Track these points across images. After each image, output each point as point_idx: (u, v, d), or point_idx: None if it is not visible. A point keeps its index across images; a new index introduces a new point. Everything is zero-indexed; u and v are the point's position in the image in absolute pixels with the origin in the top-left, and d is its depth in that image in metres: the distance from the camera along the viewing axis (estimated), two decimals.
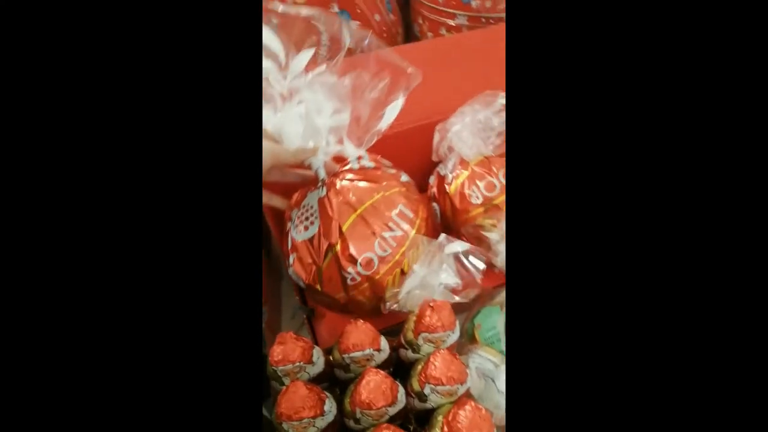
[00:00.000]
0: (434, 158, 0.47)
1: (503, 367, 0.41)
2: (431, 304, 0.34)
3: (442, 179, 0.49)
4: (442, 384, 0.31)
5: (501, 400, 0.40)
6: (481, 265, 0.39)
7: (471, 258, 0.39)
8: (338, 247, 0.38)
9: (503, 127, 0.42)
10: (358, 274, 0.38)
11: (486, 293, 0.46)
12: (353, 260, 0.38)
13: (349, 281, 0.39)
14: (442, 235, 0.39)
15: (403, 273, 0.40)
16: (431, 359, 0.32)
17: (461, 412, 0.29)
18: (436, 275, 0.37)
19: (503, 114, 0.42)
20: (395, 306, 0.39)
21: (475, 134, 0.42)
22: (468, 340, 0.44)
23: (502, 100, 0.42)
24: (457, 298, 0.38)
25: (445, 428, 0.29)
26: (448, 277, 0.37)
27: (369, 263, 0.38)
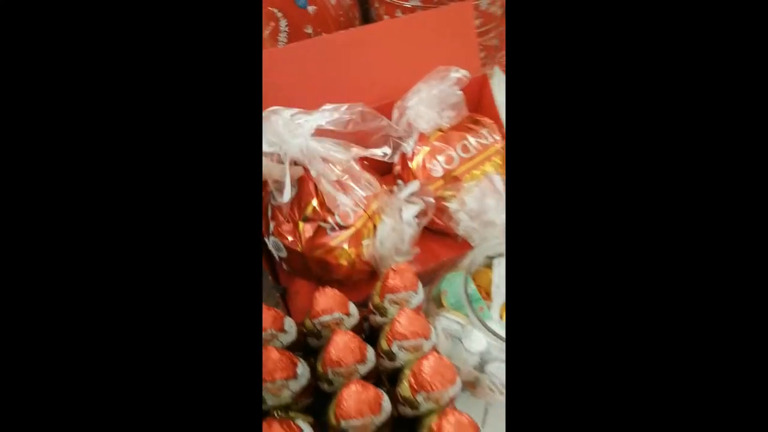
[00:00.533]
0: (394, 135, 0.49)
1: (470, 328, 0.44)
2: (394, 268, 0.36)
3: (404, 156, 0.50)
4: (407, 339, 0.33)
5: (468, 358, 0.42)
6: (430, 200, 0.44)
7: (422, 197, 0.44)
8: (315, 202, 0.41)
9: (456, 100, 0.44)
10: (337, 224, 0.41)
11: (449, 262, 0.49)
12: (330, 212, 0.41)
13: (329, 231, 0.41)
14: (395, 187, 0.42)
15: (375, 227, 0.43)
16: (396, 318, 0.34)
17: (425, 362, 0.31)
18: (401, 216, 0.40)
19: (456, 87, 0.44)
20: (373, 252, 0.42)
21: (431, 108, 0.44)
22: (435, 305, 0.46)
23: (454, 74, 0.44)
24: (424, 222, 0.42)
25: (412, 379, 0.31)
26: (410, 211, 0.40)
27: (345, 215, 0.41)
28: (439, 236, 0.52)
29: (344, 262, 0.43)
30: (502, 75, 0.70)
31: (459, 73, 0.43)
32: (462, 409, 0.34)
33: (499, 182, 0.44)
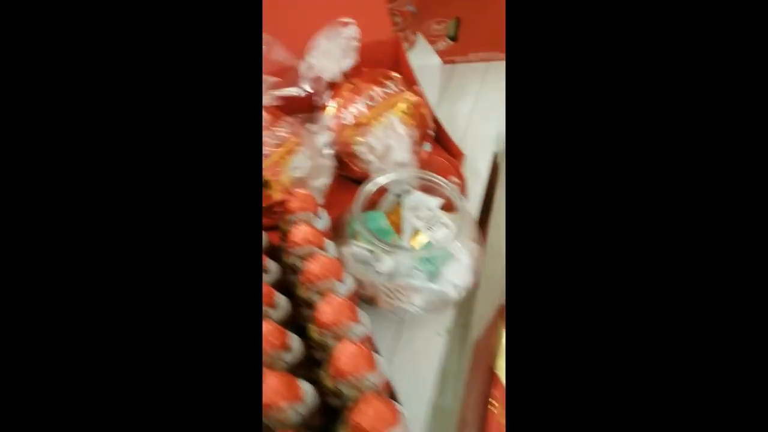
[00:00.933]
0: (307, 88, 0.54)
1: (379, 254, 0.49)
2: (293, 194, 0.41)
3: (320, 107, 0.55)
4: (300, 246, 0.38)
5: (377, 277, 0.47)
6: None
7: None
8: None
9: (351, 47, 0.50)
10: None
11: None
12: None
13: None
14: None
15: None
16: (291, 231, 0.38)
17: (312, 260, 0.36)
18: (316, 146, 0.47)
19: (350, 36, 0.49)
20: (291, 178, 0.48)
21: (332, 59, 0.49)
22: (349, 237, 0.51)
23: (346, 26, 0.49)
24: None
25: (301, 276, 0.36)
26: (322, 139, 0.46)
27: (265, 143, 0.48)
28: (358, 185, 0.57)
29: (266, 189, 0.48)
30: (424, 41, 0.76)
31: (350, 24, 0.49)
32: (377, 330, 0.38)
33: (399, 125, 0.49)
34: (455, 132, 0.74)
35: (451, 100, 0.80)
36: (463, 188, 0.54)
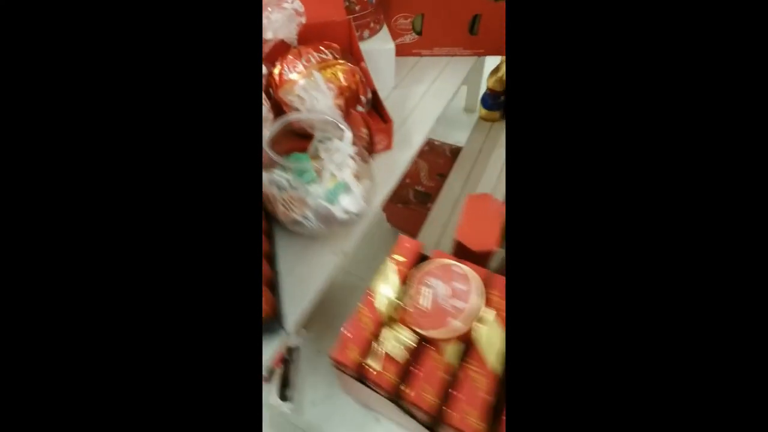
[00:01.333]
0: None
1: (297, 185, 0.59)
2: None
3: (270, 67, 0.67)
4: None
5: (279, 193, 0.57)
6: None
7: None
8: None
9: (292, 16, 0.61)
10: None
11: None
12: None
13: None
14: None
15: None
16: None
17: None
18: None
19: (292, 7, 0.61)
20: None
21: (276, 24, 0.61)
22: (276, 169, 0.62)
23: (293, 2, 0.61)
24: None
25: None
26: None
27: None
28: (301, 137, 0.68)
29: None
30: (387, 32, 0.87)
31: None
32: (284, 248, 0.46)
33: (321, 81, 0.60)
34: (404, 109, 0.84)
35: (409, 82, 0.91)
36: (371, 138, 0.65)
